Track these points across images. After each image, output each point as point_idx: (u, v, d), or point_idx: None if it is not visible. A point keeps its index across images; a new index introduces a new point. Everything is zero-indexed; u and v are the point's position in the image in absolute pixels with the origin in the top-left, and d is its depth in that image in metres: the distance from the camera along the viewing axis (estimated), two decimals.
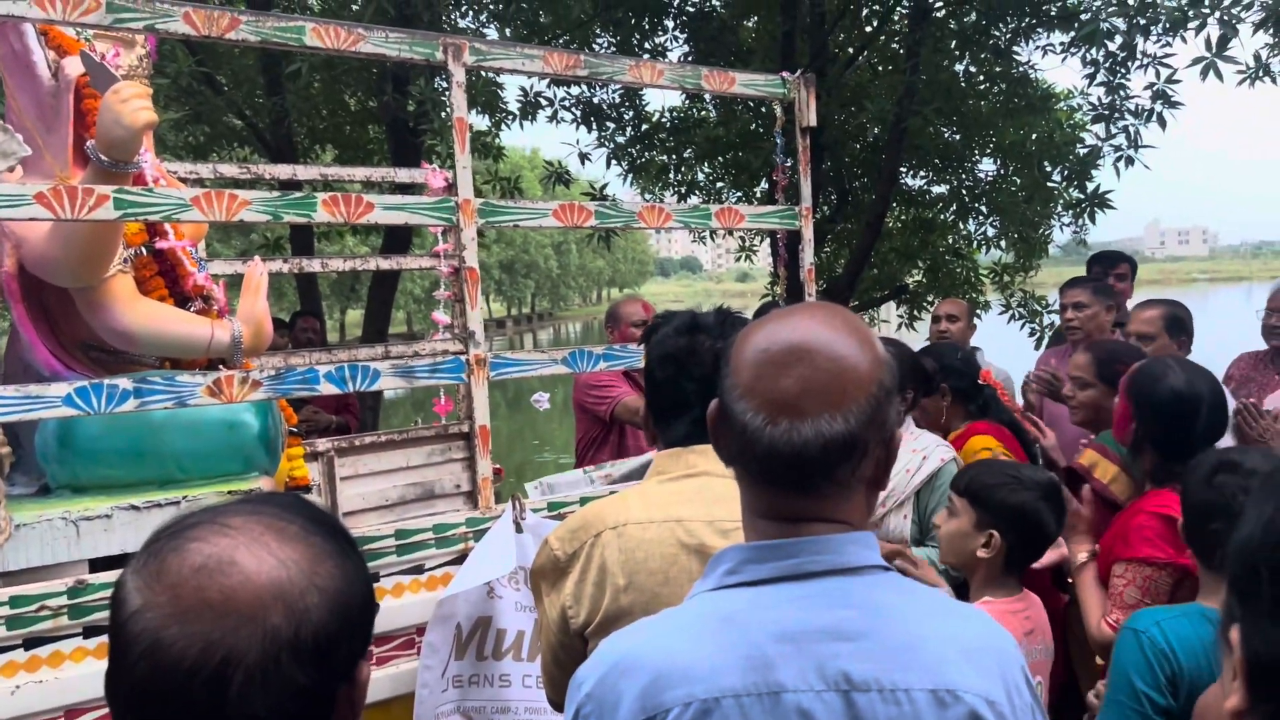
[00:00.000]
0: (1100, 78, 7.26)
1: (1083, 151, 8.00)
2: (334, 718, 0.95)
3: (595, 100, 8.59)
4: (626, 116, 8.81)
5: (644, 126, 8.94)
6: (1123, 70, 7.16)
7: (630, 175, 8.98)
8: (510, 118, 8.38)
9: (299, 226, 8.61)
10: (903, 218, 9.61)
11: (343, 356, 4.32)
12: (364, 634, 0.99)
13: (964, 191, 8.92)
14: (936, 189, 9.33)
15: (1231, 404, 3.50)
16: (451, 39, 2.51)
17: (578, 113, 8.54)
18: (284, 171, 4.40)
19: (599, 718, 1.12)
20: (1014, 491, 2.32)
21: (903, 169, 8.64)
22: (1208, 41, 5.90)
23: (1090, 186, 7.94)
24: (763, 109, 8.30)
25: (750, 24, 9.09)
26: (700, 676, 1.09)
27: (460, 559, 2.54)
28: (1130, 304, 4.63)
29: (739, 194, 9.31)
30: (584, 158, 8.59)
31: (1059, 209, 8.53)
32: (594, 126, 8.59)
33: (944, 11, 7.77)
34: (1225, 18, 5.83)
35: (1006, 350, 6.02)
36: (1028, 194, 8.38)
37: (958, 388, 3.49)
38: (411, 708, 2.44)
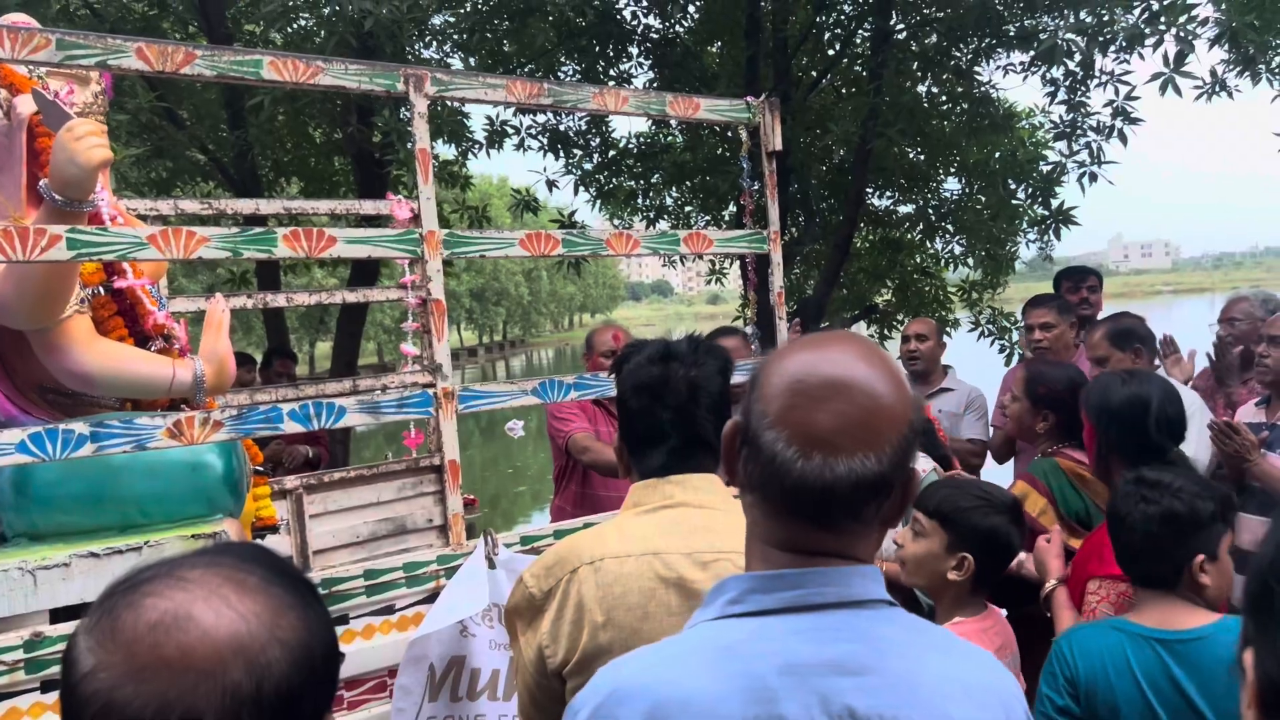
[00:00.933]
0: (1060, 96, 7.35)
1: (1046, 169, 8.10)
2: None
3: (562, 127, 8.60)
4: (593, 143, 8.82)
5: (611, 152, 8.96)
6: (1083, 88, 7.25)
7: (598, 201, 8.98)
8: (477, 146, 8.37)
9: (267, 265, 8.55)
10: (870, 238, 9.67)
11: (309, 393, 4.26)
12: (329, 686, 0.95)
13: (930, 211, 9.00)
14: (903, 209, 9.41)
15: (1206, 416, 3.54)
16: (413, 70, 2.49)
17: (544, 140, 8.54)
18: (247, 206, 4.35)
19: None
20: (986, 515, 2.32)
21: (869, 190, 8.71)
22: (1165, 58, 5.99)
23: (1054, 203, 8.03)
24: (729, 133, 8.34)
25: (714, 49, 9.15)
26: (702, 707, 1.06)
27: (432, 598, 2.48)
28: (1101, 316, 4.67)
29: (707, 218, 9.34)
30: (551, 185, 8.59)
31: (1024, 226, 8.62)
32: (561, 153, 8.59)
33: (905, 34, 7.86)
34: (1181, 34, 5.92)
35: (977, 367, 6.05)
36: (993, 212, 8.46)
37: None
38: None
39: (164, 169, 8.51)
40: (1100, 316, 4.66)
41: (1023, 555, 2.71)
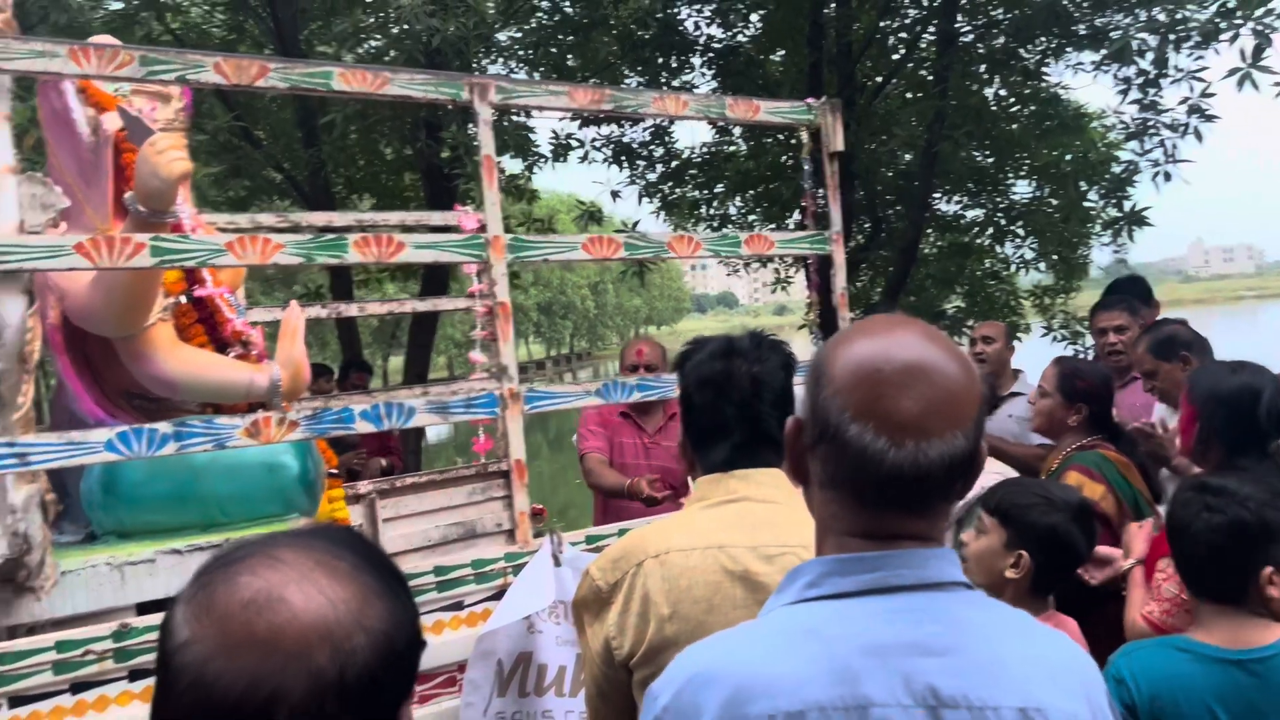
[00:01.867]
0: (1133, 94, 7.20)
1: (1118, 170, 7.93)
2: None
3: (625, 139, 8.68)
4: (657, 154, 8.88)
5: (674, 163, 9.01)
6: (1155, 86, 7.10)
7: (662, 211, 9.03)
8: (542, 160, 8.48)
9: (339, 275, 8.75)
10: (939, 244, 9.56)
11: (379, 397, 4.36)
12: (409, 676, 0.96)
13: (999, 215, 8.86)
14: (971, 213, 9.28)
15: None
16: (477, 79, 2.55)
17: (608, 152, 8.63)
18: (320, 219, 4.47)
19: None
20: (1045, 513, 2.29)
21: (936, 195, 8.62)
22: (1242, 52, 5.84)
23: (1128, 205, 7.86)
24: (792, 141, 8.32)
25: (777, 57, 9.15)
26: (785, 689, 1.06)
27: (499, 595, 2.53)
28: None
29: (771, 226, 9.33)
30: (615, 195, 8.66)
31: (1097, 229, 8.45)
32: (625, 165, 8.66)
33: (971, 36, 7.77)
34: (1259, 27, 5.77)
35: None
36: (1064, 214, 8.31)
37: None
38: None
39: (242, 188, 8.77)
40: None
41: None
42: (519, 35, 8.44)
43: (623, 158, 8.63)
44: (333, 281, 8.69)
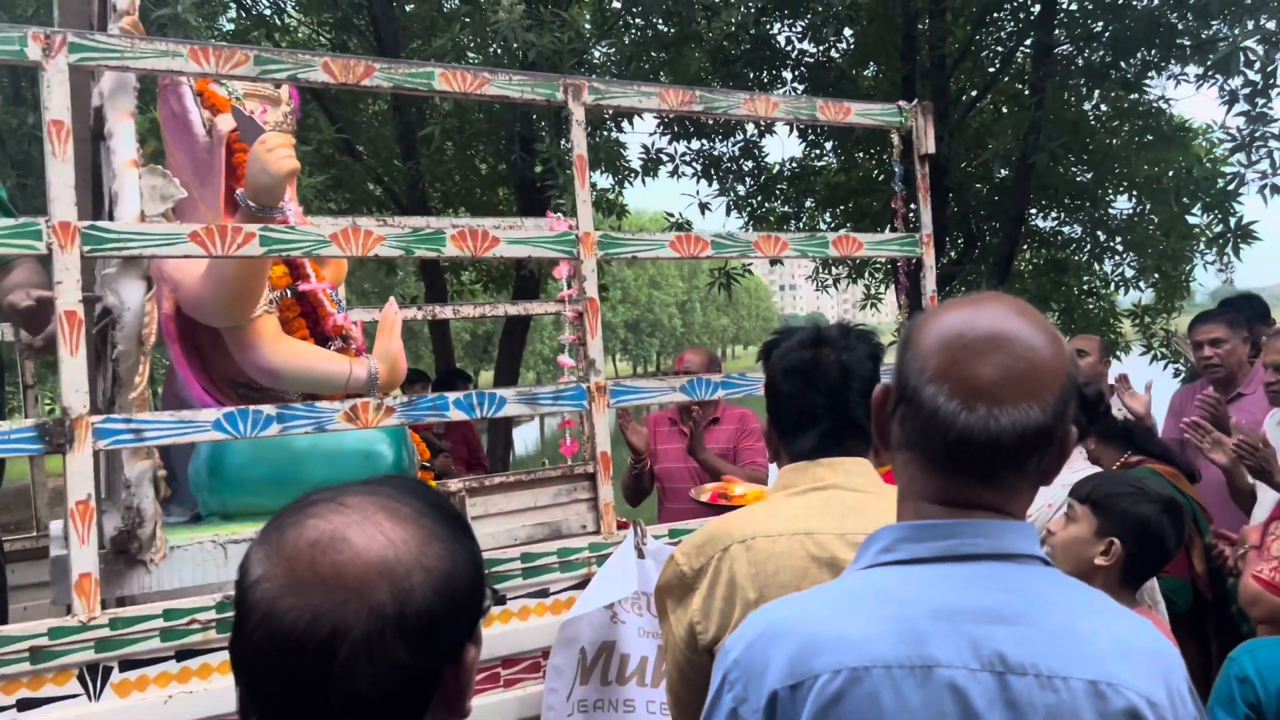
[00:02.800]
0: (1239, 106, 6.97)
1: (1223, 184, 7.67)
2: (439, 698, 0.96)
3: (716, 153, 8.72)
4: (746, 168, 8.90)
5: (763, 177, 9.02)
6: (1263, 97, 6.86)
7: (750, 225, 9.04)
8: (632, 175, 8.58)
9: (433, 287, 8.97)
10: (1034, 260, 9.37)
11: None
12: (470, 617, 1.00)
13: (1098, 230, 8.65)
14: (1068, 229, 9.08)
15: None
16: (571, 80, 2.62)
17: (698, 167, 8.68)
18: (417, 223, 4.60)
19: (745, 684, 1.11)
20: (1138, 502, 2.26)
21: (1032, 210, 8.46)
22: None
23: (1233, 219, 7.58)
24: (883, 155, 8.27)
25: (868, 72, 9.11)
26: (851, 645, 1.07)
27: (583, 584, 2.57)
28: None
29: None
30: (704, 208, 8.70)
31: (1200, 246, 8.18)
32: (714, 178, 8.70)
33: (1069, 48, 7.63)
34: None
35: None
36: (1166, 231, 8.06)
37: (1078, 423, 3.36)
38: None
39: (343, 199, 9.07)
40: None
41: None
42: (611, 51, 8.57)
43: (712, 172, 8.67)
44: (427, 294, 8.91)
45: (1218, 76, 6.80)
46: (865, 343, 1.84)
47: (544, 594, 2.55)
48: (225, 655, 2.22)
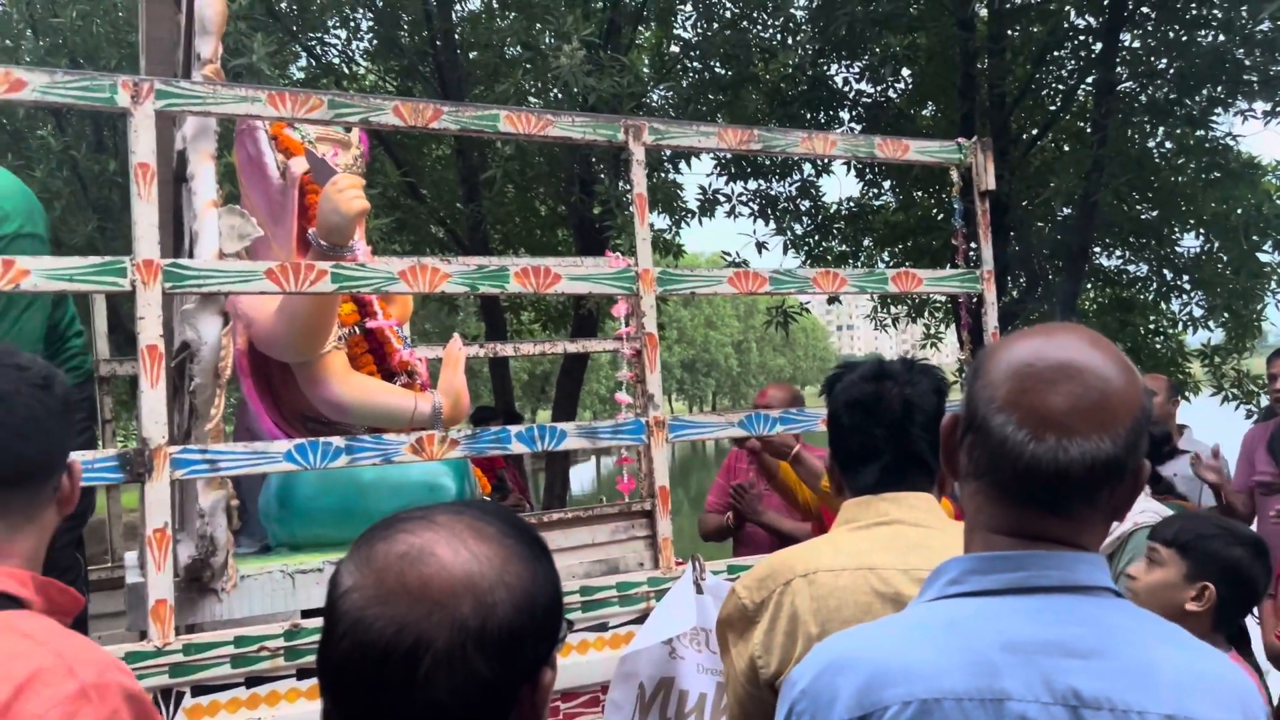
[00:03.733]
0: None
1: None
2: (515, 715, 0.98)
3: (772, 192, 8.76)
4: (804, 207, 8.93)
5: (820, 216, 9.03)
6: None
7: (808, 264, 9.05)
8: (690, 215, 8.65)
9: (494, 325, 9.09)
10: (1099, 299, 9.23)
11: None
12: (549, 636, 1.02)
13: (1165, 269, 8.51)
14: (1134, 268, 8.94)
15: None
16: (631, 121, 2.67)
17: (755, 206, 8.72)
18: (480, 261, 4.69)
19: (813, 715, 1.11)
20: (1229, 545, 2.21)
21: (1096, 248, 8.35)
22: None
23: None
24: (943, 194, 8.24)
25: (927, 111, 9.11)
26: (921, 676, 1.06)
27: (642, 618, 2.58)
28: None
29: None
30: (761, 246, 8.73)
31: (1273, 284, 8.01)
32: (770, 218, 8.73)
33: (1131, 85, 7.57)
34: None
35: (1219, 433, 5.65)
36: (1235, 269, 7.91)
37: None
38: None
39: (407, 242, 9.26)
40: None
41: None
42: (670, 94, 8.69)
43: (769, 211, 8.71)
44: (488, 333, 9.04)
45: None
46: (929, 377, 1.83)
47: (603, 628, 2.57)
48: (293, 683, 2.28)
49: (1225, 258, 8.13)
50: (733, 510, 4.16)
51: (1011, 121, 8.06)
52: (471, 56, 8.53)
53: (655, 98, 8.65)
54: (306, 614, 2.53)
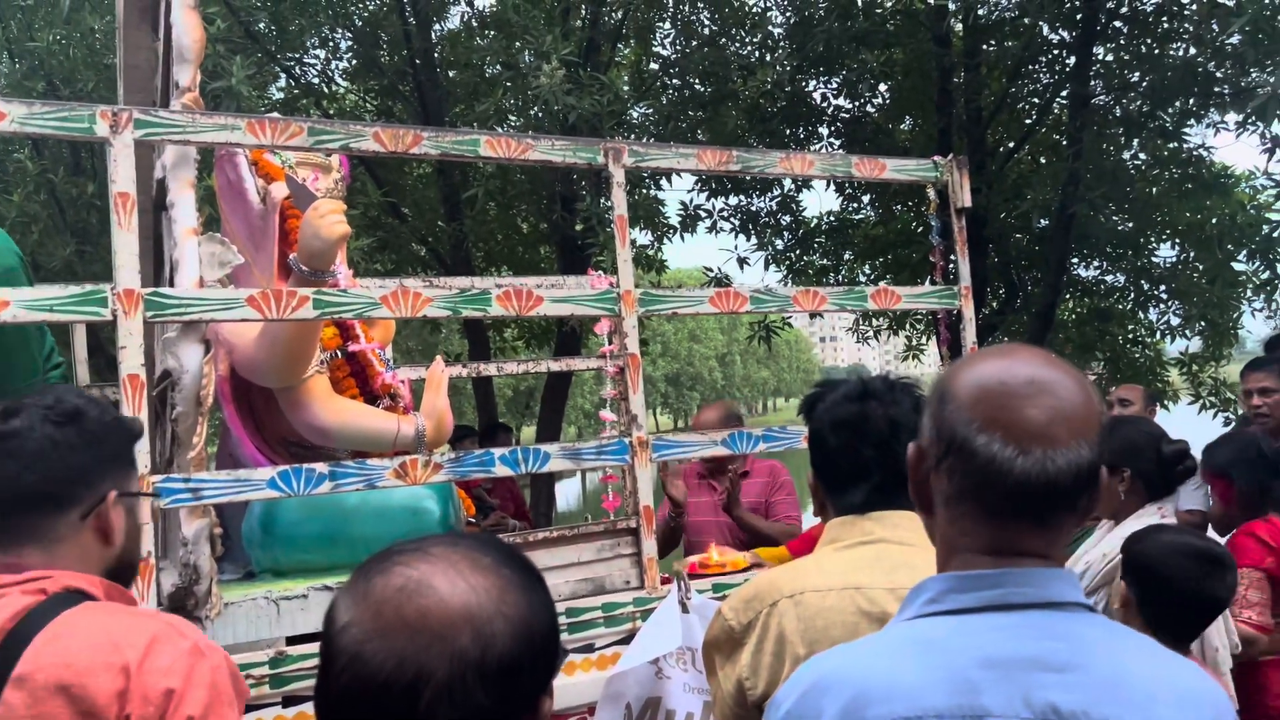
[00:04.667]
0: None
1: (1269, 230, 7.61)
2: None
3: (753, 208, 8.81)
4: (784, 222, 8.97)
5: (801, 231, 9.08)
6: None
7: (789, 279, 9.09)
8: (671, 231, 8.68)
9: (476, 343, 9.08)
10: (1077, 309, 9.31)
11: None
12: (547, 666, 1.02)
13: (1141, 279, 8.59)
14: (1111, 278, 9.02)
15: None
16: (611, 144, 2.69)
17: (736, 222, 8.76)
18: (463, 283, 4.70)
19: None
20: (1155, 548, 2.27)
21: (1074, 259, 8.43)
22: None
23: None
24: (921, 208, 8.30)
25: (905, 126, 9.18)
26: (903, 695, 1.08)
27: (628, 639, 2.59)
28: None
29: None
30: (742, 262, 8.77)
31: (1247, 294, 8.10)
32: (752, 233, 8.78)
33: (1106, 98, 7.65)
34: None
35: (1197, 442, 5.70)
36: (1210, 279, 8.00)
37: (1143, 472, 3.07)
38: None
39: (389, 261, 9.25)
40: None
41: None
42: (650, 112, 8.73)
43: (750, 226, 8.75)
44: (471, 350, 9.03)
45: (1258, 124, 6.78)
46: (909, 395, 1.84)
47: (589, 649, 2.57)
48: (278, 710, 2.27)
49: (1201, 267, 8.22)
50: (670, 499, 4.18)
51: (988, 135, 8.13)
52: (451, 75, 8.54)
53: (635, 115, 8.68)
54: (292, 640, 2.53)
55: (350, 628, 0.96)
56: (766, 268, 8.80)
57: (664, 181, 8.41)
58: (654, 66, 8.89)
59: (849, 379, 1.92)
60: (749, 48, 8.14)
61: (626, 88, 8.74)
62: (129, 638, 1.36)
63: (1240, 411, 7.75)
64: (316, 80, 8.93)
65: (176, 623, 1.45)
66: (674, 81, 8.66)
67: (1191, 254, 8.29)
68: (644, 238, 8.91)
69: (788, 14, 8.03)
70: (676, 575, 2.62)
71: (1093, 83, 7.49)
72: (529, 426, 28.92)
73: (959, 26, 7.85)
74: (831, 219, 9.19)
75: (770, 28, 8.05)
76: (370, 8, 8.43)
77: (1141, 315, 8.84)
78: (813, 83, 8.32)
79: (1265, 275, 7.68)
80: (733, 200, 8.70)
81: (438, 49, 8.42)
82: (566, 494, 27.06)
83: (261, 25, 7.90)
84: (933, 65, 7.69)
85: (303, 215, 2.81)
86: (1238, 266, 7.96)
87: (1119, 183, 7.24)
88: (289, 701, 2.27)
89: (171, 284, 2.46)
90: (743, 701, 1.69)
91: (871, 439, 1.77)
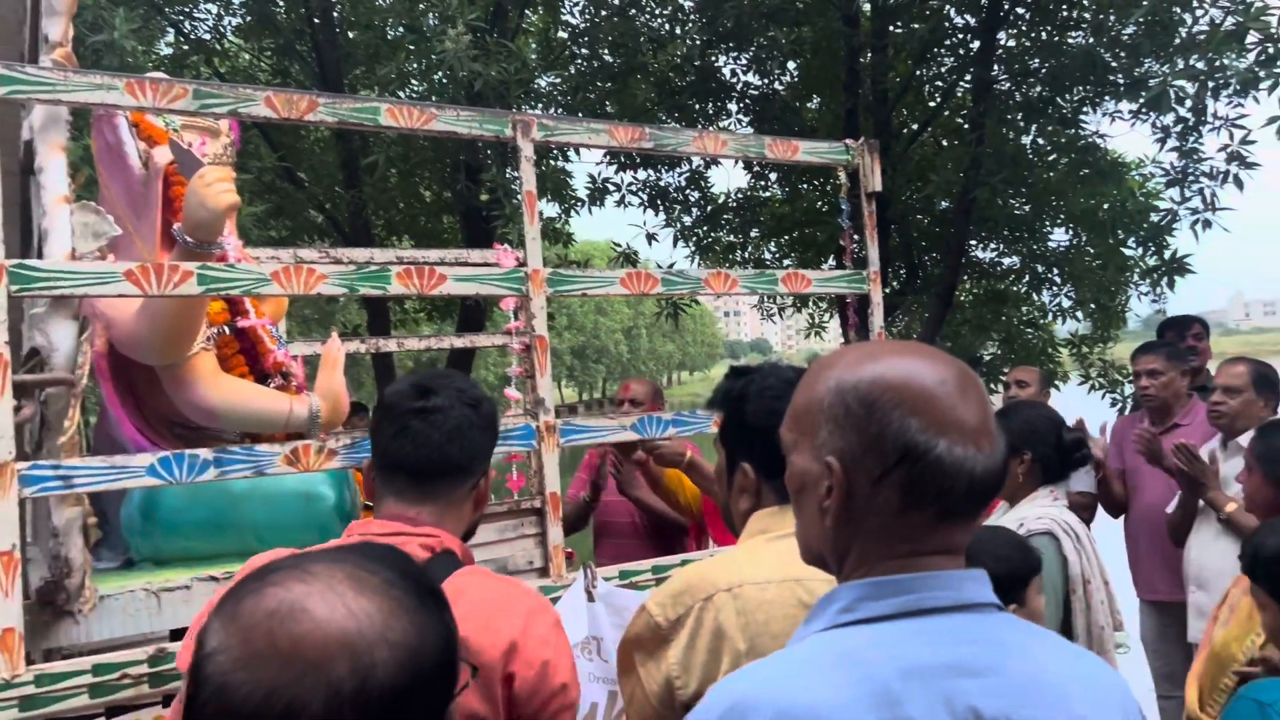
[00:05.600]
0: (1171, 142, 7.18)
1: (1157, 218, 7.89)
2: None
3: (662, 183, 8.76)
4: (693, 198, 8.95)
5: (709, 207, 9.07)
6: (1195, 133, 7.07)
7: (697, 255, 9.08)
8: (579, 204, 8.58)
9: (377, 314, 8.85)
10: (974, 290, 9.53)
11: None
12: (442, 696, 0.95)
13: (1036, 262, 8.83)
14: (1008, 260, 9.25)
15: None
16: (520, 116, 2.59)
17: (645, 196, 8.70)
18: (361, 255, 4.52)
19: None
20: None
21: (972, 241, 8.60)
22: None
23: (1167, 253, 7.80)
24: (827, 187, 8.37)
25: (813, 104, 9.22)
26: (827, 714, 1.05)
27: None
28: (1211, 365, 4.55)
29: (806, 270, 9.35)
30: (651, 238, 8.73)
31: (1136, 277, 8.39)
32: (661, 209, 8.73)
33: (1007, 84, 7.80)
34: None
35: (1088, 422, 5.89)
36: (1102, 263, 8.26)
37: (1043, 457, 3.05)
38: None
39: (283, 227, 8.93)
40: (1211, 366, 4.54)
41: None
42: (558, 81, 8.58)
43: (659, 201, 8.70)
44: (370, 321, 8.79)
45: (1150, 113, 7.00)
46: None
47: None
48: (158, 711, 2.14)
49: (1093, 251, 8.48)
50: (592, 485, 4.12)
51: (894, 116, 8.22)
52: (351, 36, 8.24)
53: (543, 84, 8.52)
54: (175, 635, 2.39)
55: (217, 654, 0.88)
56: (675, 245, 8.78)
57: (572, 153, 8.29)
58: (563, 35, 8.74)
59: (764, 365, 1.88)
60: (659, 20, 8.05)
61: (534, 56, 8.56)
62: (511, 605, 1.65)
63: (1126, 393, 8.06)
64: (208, 36, 8.52)
65: (537, 594, 1.78)
66: (583, 51, 8.52)
67: (1084, 239, 8.54)
68: (551, 210, 8.80)
69: None
70: (583, 564, 2.55)
71: (995, 68, 7.62)
72: None
73: (867, 7, 7.90)
74: (739, 196, 9.20)
75: (680, 1, 7.98)
76: None
77: (1035, 297, 9.09)
78: (722, 58, 8.29)
79: (1153, 261, 7.96)
80: (641, 174, 8.63)
81: (337, 8, 8.11)
82: None
83: None
84: (841, 45, 7.73)
85: (188, 182, 2.63)
86: (1127, 252, 8.24)
87: (1018, 167, 7.40)
88: (169, 702, 2.14)
89: (40, 255, 2.28)
90: (669, 702, 1.62)
91: None
